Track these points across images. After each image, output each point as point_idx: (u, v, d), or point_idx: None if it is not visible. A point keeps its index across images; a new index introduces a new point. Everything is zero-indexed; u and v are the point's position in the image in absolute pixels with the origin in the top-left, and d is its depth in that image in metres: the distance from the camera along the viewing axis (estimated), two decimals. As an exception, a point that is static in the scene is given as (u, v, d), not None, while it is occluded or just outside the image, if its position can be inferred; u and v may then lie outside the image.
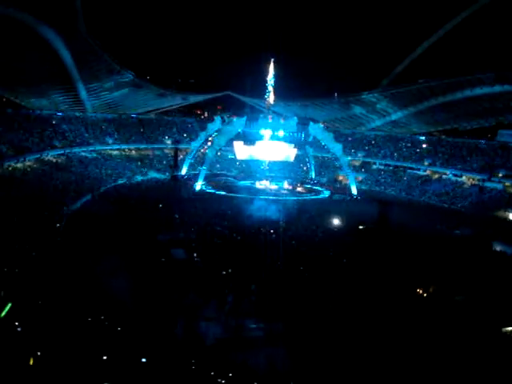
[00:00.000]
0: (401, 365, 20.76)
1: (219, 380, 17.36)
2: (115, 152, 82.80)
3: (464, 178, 75.17)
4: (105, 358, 16.57)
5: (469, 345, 22.72)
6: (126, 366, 16.85)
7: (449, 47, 65.62)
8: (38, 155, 63.31)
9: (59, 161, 66.99)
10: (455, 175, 76.60)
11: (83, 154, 74.64)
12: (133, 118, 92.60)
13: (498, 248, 42.46)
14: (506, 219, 60.10)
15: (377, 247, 38.58)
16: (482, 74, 66.60)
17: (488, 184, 70.04)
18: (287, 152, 75.65)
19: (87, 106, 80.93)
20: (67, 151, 70.73)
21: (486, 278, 32.14)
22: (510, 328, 24.40)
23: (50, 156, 65.99)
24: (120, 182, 69.76)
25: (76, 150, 73.68)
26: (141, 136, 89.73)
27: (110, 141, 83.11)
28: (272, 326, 23.56)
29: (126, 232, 37.47)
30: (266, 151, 74.49)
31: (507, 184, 67.72)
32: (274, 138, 73.12)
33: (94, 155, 76.68)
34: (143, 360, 17.54)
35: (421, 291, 29.94)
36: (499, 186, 68.57)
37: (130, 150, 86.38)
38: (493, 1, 59.88)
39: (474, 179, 73.37)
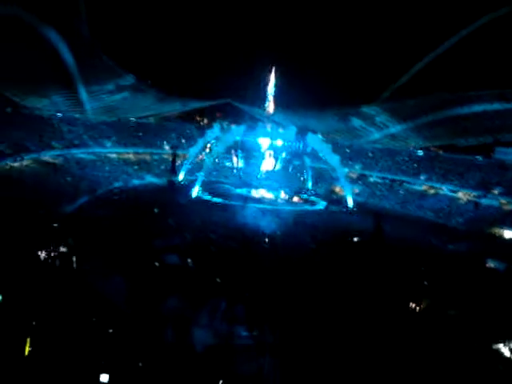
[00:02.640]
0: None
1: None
2: (113, 155, 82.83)
3: (460, 193, 75.66)
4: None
5: (458, 358, 22.83)
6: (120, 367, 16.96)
7: (449, 63, 66.26)
8: (36, 155, 63.31)
9: (57, 162, 67.02)
10: (451, 191, 77.04)
11: (81, 155, 74.80)
12: (132, 121, 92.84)
13: (492, 265, 42.65)
14: (500, 236, 60.37)
15: (369, 260, 38.73)
16: (482, 91, 67.27)
17: (483, 200, 70.34)
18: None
19: (87, 108, 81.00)
20: (65, 152, 70.83)
21: (479, 293, 32.26)
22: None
23: (47, 156, 66.00)
24: (117, 185, 69.69)
25: (74, 151, 73.85)
26: (139, 140, 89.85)
27: (109, 144, 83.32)
28: (263, 334, 23.55)
29: (121, 235, 37.45)
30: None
31: (502, 201, 68.07)
32: (271, 147, 73.41)
33: (92, 157, 76.81)
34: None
35: (413, 305, 29.94)
36: (495, 203, 68.93)
37: (127, 153, 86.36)
38: (497, 19, 60.54)
39: (469, 195, 73.75)
